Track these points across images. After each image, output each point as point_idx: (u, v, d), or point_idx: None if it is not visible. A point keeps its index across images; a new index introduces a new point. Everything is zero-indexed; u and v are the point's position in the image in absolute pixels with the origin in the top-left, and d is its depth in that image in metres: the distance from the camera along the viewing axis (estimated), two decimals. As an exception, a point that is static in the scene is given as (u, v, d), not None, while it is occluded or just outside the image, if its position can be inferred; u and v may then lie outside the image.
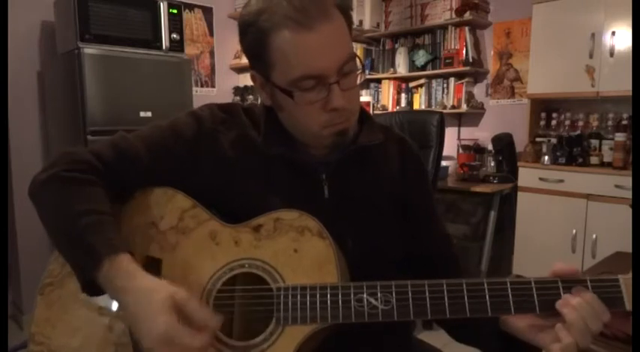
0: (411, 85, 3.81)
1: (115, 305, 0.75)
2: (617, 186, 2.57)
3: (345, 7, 0.75)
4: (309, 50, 0.70)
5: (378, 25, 3.84)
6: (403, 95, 3.84)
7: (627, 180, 2.53)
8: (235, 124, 0.84)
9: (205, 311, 0.65)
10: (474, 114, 3.61)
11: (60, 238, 0.73)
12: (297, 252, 0.72)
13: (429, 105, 3.68)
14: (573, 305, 0.64)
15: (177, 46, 2.63)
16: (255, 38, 0.73)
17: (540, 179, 2.88)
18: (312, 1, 0.69)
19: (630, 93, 2.45)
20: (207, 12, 3.49)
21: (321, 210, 0.74)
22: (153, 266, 0.75)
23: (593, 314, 0.64)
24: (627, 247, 1.40)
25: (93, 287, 0.68)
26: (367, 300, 0.67)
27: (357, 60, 0.76)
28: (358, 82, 0.77)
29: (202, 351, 0.61)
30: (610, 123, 2.82)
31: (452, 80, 3.54)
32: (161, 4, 2.55)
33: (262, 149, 0.80)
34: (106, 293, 0.69)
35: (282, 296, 0.70)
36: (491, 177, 3.10)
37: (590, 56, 2.73)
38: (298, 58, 0.71)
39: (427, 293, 0.67)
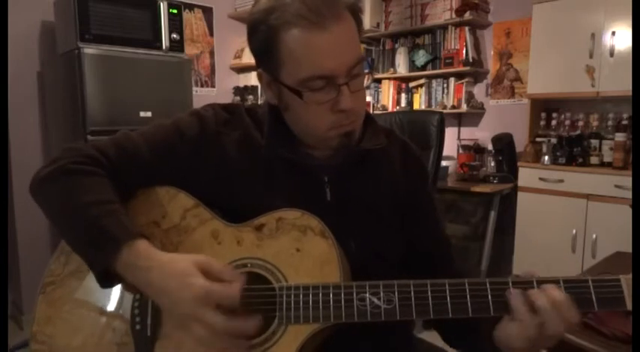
0: (411, 85, 3.81)
1: (118, 306, 0.75)
2: (617, 186, 2.57)
3: (356, 9, 0.75)
4: (320, 50, 0.70)
5: (378, 25, 3.84)
6: (403, 95, 3.84)
7: (627, 180, 2.53)
8: (238, 125, 0.84)
9: (227, 267, 0.67)
10: (474, 114, 3.61)
11: (71, 229, 0.73)
12: (300, 251, 0.72)
13: (429, 105, 3.68)
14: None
15: (177, 46, 2.63)
16: (265, 36, 0.72)
17: (540, 179, 2.89)
18: (324, 2, 0.69)
19: (630, 93, 2.46)
20: (207, 12, 3.49)
21: (323, 213, 0.74)
22: None
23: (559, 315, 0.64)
24: (627, 247, 1.40)
25: (108, 278, 0.69)
26: (370, 300, 0.68)
27: (366, 62, 0.76)
28: (365, 84, 0.77)
29: (237, 300, 0.64)
30: (610, 123, 2.82)
31: (452, 80, 3.54)
32: (161, 4, 2.55)
33: (265, 150, 0.80)
34: (123, 282, 0.69)
35: (284, 296, 0.70)
36: (491, 177, 3.10)
37: (590, 56, 2.73)
38: (309, 57, 0.70)
39: (430, 293, 0.67)
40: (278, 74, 0.75)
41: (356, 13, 0.75)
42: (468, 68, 3.40)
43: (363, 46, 3.89)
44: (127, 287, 0.73)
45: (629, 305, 0.66)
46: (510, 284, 0.67)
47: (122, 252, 0.67)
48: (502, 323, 0.69)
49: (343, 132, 0.77)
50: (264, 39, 0.73)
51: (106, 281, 0.70)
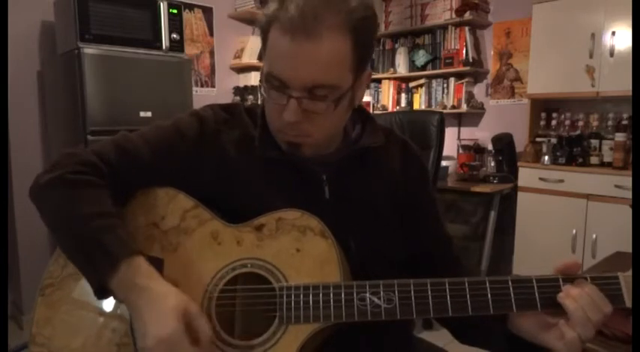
0: (411, 84, 3.81)
1: (117, 306, 0.75)
2: (617, 186, 2.58)
3: (361, 30, 0.71)
4: (282, 55, 0.70)
5: (377, 25, 3.84)
6: (403, 95, 3.84)
7: (627, 180, 2.53)
8: (237, 124, 0.84)
9: (209, 330, 0.67)
10: (474, 114, 3.62)
11: (70, 241, 0.73)
12: (300, 251, 0.72)
13: (429, 105, 3.69)
14: (573, 296, 0.65)
15: (177, 46, 2.63)
16: (263, 22, 0.74)
17: (540, 179, 2.89)
18: (305, 18, 0.67)
19: (630, 93, 2.46)
20: (207, 12, 3.49)
21: (321, 211, 0.74)
22: (155, 266, 0.75)
23: (592, 304, 0.65)
24: (627, 247, 1.40)
25: (104, 290, 0.69)
26: (370, 299, 0.68)
27: (338, 95, 0.72)
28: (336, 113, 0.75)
29: None
30: (610, 123, 2.82)
31: (452, 80, 3.54)
32: (161, 4, 2.55)
33: (258, 151, 0.80)
34: (117, 296, 0.69)
35: (284, 296, 0.70)
36: (491, 177, 3.10)
37: (590, 56, 2.73)
38: (274, 55, 0.71)
39: (429, 292, 0.68)
40: (264, 61, 0.77)
41: (359, 34, 0.71)
42: (468, 68, 3.40)
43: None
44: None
45: (628, 303, 0.66)
46: (510, 282, 0.68)
47: (120, 267, 0.67)
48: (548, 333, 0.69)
49: (287, 140, 0.77)
50: (262, 25, 0.74)
51: (102, 294, 0.70)
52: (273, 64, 0.71)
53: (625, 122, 2.72)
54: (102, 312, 0.75)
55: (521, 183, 2.99)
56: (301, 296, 0.69)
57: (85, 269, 0.71)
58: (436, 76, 3.64)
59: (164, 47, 2.57)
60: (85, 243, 0.70)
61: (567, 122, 3.01)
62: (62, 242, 0.74)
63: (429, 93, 3.70)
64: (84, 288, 0.76)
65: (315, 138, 0.77)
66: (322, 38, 0.67)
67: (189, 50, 3.27)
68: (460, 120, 3.72)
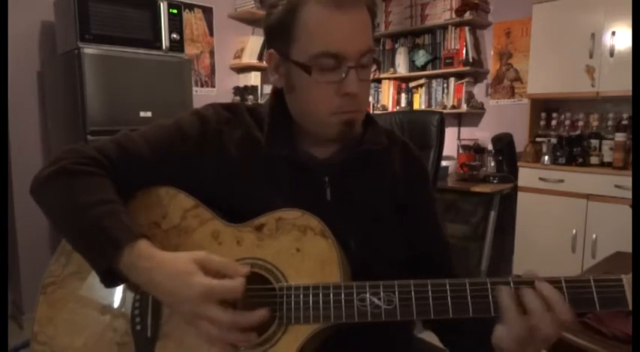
0: (411, 85, 3.81)
1: (119, 305, 0.75)
2: (617, 186, 2.58)
3: (373, 8, 0.78)
4: (336, 28, 0.72)
5: (378, 25, 3.84)
6: (403, 95, 3.84)
7: (627, 180, 2.54)
8: (239, 124, 0.84)
9: (228, 260, 0.68)
10: (473, 114, 3.62)
11: (73, 230, 0.73)
12: (300, 251, 0.72)
13: (429, 105, 3.69)
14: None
15: (177, 46, 2.63)
16: (283, 10, 0.74)
17: (540, 179, 2.89)
18: None
19: (630, 93, 2.46)
20: (207, 12, 3.49)
21: (323, 213, 0.74)
22: None
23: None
24: (627, 247, 1.40)
25: (110, 277, 0.69)
26: (370, 300, 0.68)
27: (374, 58, 0.78)
28: (371, 77, 0.79)
29: (241, 293, 0.66)
30: (610, 123, 2.82)
31: (452, 80, 3.54)
32: (161, 4, 2.55)
33: (265, 150, 0.80)
34: (126, 282, 0.70)
35: (284, 296, 0.70)
36: (491, 177, 3.10)
37: (590, 56, 2.73)
38: (324, 33, 0.72)
39: (430, 293, 0.67)
40: (289, 51, 0.76)
41: (372, 11, 0.77)
42: (468, 68, 3.40)
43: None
44: (131, 286, 0.73)
45: (631, 306, 0.65)
46: (512, 284, 0.67)
47: (124, 252, 0.67)
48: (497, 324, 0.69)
49: (344, 120, 0.77)
50: (283, 13, 0.74)
51: (110, 281, 0.70)
52: (325, 42, 0.72)
53: (625, 122, 2.72)
54: (103, 311, 0.75)
55: (521, 183, 2.99)
56: (301, 296, 0.69)
57: (90, 257, 0.71)
58: (436, 76, 3.64)
59: (164, 47, 2.57)
60: (87, 231, 0.70)
61: (567, 122, 3.01)
62: (65, 232, 0.74)
63: (429, 93, 3.70)
64: (85, 287, 0.77)
65: (363, 111, 0.81)
66: (360, 6, 0.74)
67: (189, 50, 3.27)
68: (460, 120, 3.72)
